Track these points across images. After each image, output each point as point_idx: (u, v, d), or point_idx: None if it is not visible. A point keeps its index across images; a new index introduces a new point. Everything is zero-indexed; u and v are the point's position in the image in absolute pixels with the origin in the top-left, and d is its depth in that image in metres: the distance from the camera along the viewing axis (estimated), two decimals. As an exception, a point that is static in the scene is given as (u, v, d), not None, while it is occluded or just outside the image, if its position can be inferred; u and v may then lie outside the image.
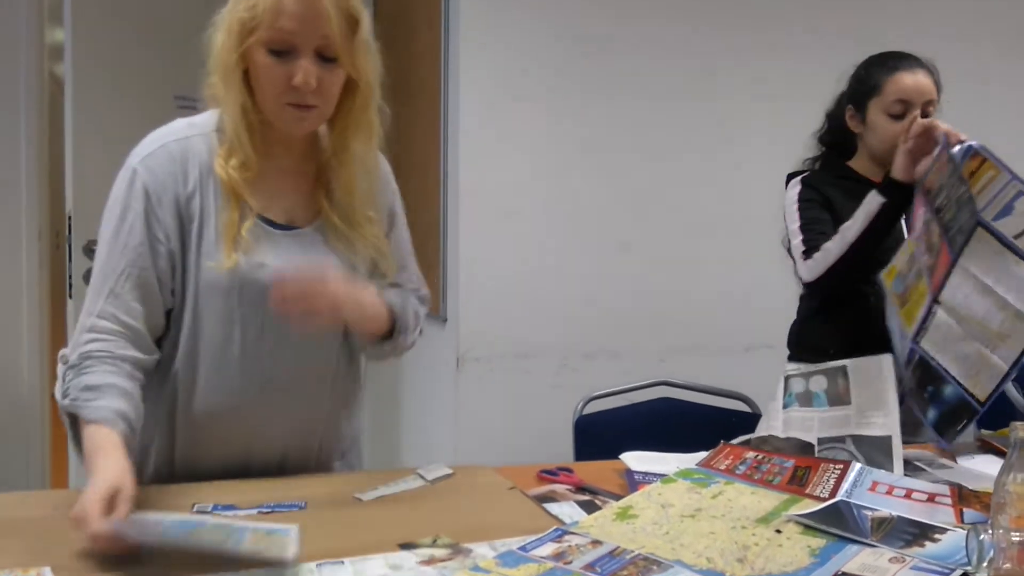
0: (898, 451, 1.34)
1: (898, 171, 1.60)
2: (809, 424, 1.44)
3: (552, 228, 2.69)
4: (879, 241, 1.64)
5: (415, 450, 3.10)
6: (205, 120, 1.23)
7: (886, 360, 1.45)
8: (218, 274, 1.17)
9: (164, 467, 1.25)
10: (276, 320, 1.18)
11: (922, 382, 1.46)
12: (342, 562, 0.97)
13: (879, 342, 1.59)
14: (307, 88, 1.12)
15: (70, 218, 2.92)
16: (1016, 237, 1.41)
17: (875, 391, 1.42)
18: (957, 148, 1.45)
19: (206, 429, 1.23)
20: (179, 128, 1.22)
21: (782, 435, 1.44)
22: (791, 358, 1.91)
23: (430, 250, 2.67)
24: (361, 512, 1.16)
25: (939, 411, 1.43)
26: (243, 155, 1.17)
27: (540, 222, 2.67)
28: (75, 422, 1.11)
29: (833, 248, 1.68)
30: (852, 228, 1.65)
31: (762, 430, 1.49)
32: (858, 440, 1.39)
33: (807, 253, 1.74)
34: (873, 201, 1.62)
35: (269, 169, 1.21)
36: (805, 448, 1.43)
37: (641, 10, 2.74)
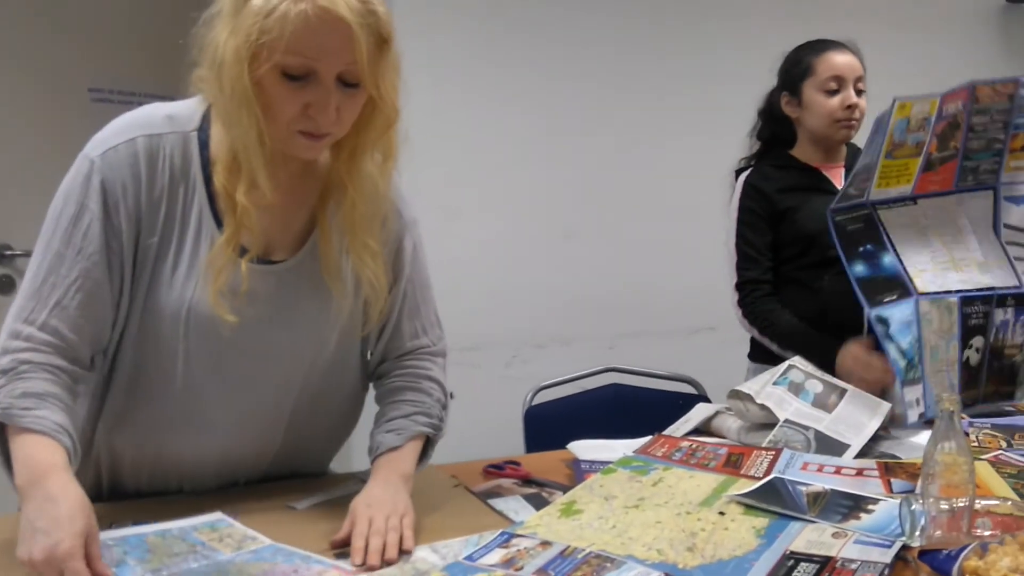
0: (850, 456, 1.40)
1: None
2: (786, 406, 1.50)
3: (495, 220, 2.68)
4: None
5: (365, 453, 3.05)
6: (187, 114, 1.06)
7: (884, 406, 1.52)
8: (167, 305, 1.05)
9: (89, 490, 1.17)
10: (226, 360, 1.08)
11: (863, 236, 1.57)
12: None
13: (831, 327, 1.69)
14: (324, 118, 0.98)
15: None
16: (1007, 225, 1.61)
17: (858, 418, 1.49)
18: None
19: (129, 457, 1.15)
20: (156, 120, 1.05)
21: (757, 399, 1.50)
22: (754, 342, 1.93)
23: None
24: (294, 522, 1.09)
25: (870, 273, 1.56)
26: (257, 182, 1.01)
27: (482, 215, 2.66)
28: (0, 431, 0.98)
29: (765, 336, 1.82)
30: (781, 344, 1.79)
31: (744, 388, 1.54)
32: (819, 435, 1.45)
33: (738, 289, 1.86)
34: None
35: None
36: (764, 427, 1.48)
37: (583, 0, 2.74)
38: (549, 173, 2.73)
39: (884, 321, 1.54)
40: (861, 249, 1.57)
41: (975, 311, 1.57)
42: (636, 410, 2.03)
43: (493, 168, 2.67)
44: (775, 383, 1.55)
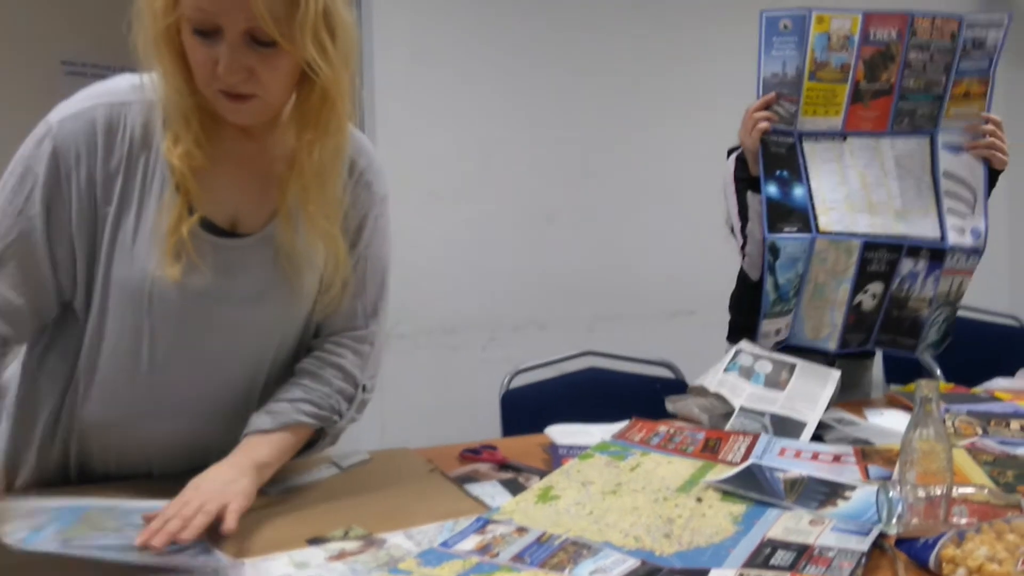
0: (807, 436, 1.41)
1: (753, 167, 1.65)
2: (740, 391, 1.51)
3: (476, 203, 2.66)
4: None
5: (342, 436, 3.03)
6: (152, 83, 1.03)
7: (833, 374, 1.53)
8: (128, 277, 1.02)
9: (56, 471, 1.14)
10: (192, 338, 1.06)
11: (783, 161, 1.58)
12: (242, 563, 0.91)
13: None
14: (230, 77, 0.94)
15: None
16: (945, 172, 1.58)
17: (811, 390, 1.51)
18: (970, 29, 1.54)
19: (96, 440, 1.13)
20: (120, 88, 1.03)
21: (712, 390, 1.51)
22: (732, 325, 1.92)
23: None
24: (265, 508, 1.07)
25: (780, 199, 1.57)
26: (187, 143, 0.99)
27: (464, 198, 2.64)
28: None
29: (754, 251, 1.74)
30: (756, 230, 1.71)
31: (700, 381, 1.56)
32: (775, 418, 1.46)
33: (742, 250, 1.79)
34: (754, 200, 1.67)
35: (218, 157, 1.03)
36: (725, 416, 1.48)
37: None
38: (531, 157, 2.71)
39: (775, 251, 1.55)
40: (778, 172, 1.58)
41: (877, 257, 1.57)
42: (614, 394, 2.02)
43: (475, 151, 2.65)
44: (726, 370, 1.56)
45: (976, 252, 1.60)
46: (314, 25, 0.95)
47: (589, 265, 2.78)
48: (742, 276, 1.84)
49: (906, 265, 1.58)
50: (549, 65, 2.70)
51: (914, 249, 1.58)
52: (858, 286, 1.58)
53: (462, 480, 1.21)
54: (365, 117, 2.57)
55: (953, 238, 1.58)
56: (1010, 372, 1.84)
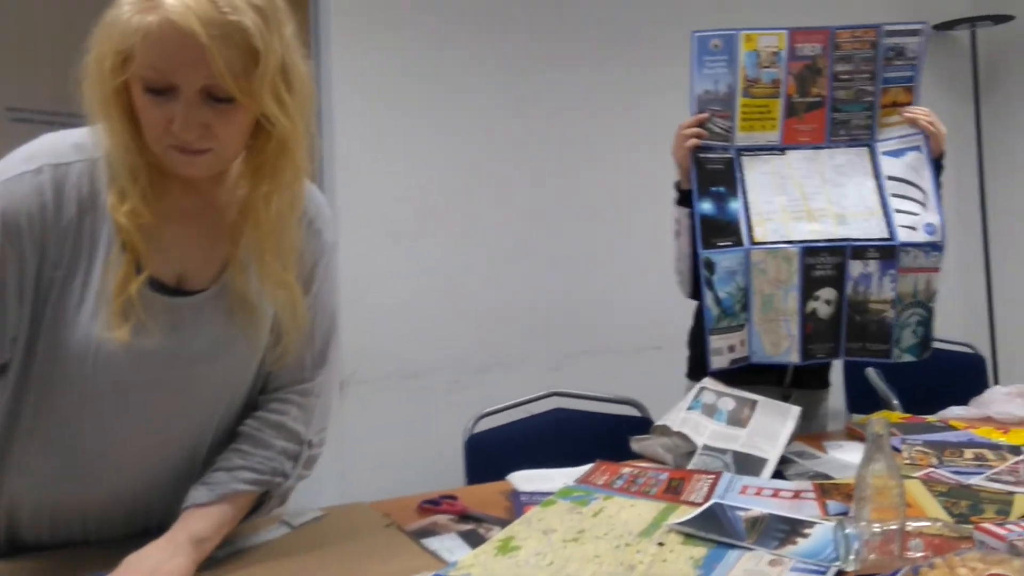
0: (768, 473, 1.42)
1: (684, 179, 1.70)
2: (702, 430, 1.52)
3: (438, 242, 2.65)
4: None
5: (296, 490, 2.96)
6: (95, 139, 1.01)
7: (794, 410, 1.54)
8: (74, 340, 0.98)
9: None
10: (139, 399, 1.03)
11: (719, 177, 1.62)
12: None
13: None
14: (186, 135, 0.93)
15: None
16: (890, 178, 1.62)
17: (772, 427, 1.51)
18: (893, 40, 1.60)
19: (28, 505, 1.08)
20: (62, 149, 1.00)
21: (675, 428, 1.51)
22: (691, 361, 1.93)
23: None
24: (213, 573, 1.02)
25: (714, 214, 1.60)
26: (133, 200, 0.97)
27: (425, 237, 2.63)
28: None
29: (682, 265, 1.77)
30: (683, 243, 1.74)
31: (663, 421, 1.56)
32: (737, 456, 1.47)
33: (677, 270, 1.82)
34: (682, 214, 1.70)
35: (165, 213, 1.01)
36: (689, 454, 1.48)
37: (520, 21, 2.74)
38: (494, 195, 2.72)
39: (710, 266, 1.58)
40: (713, 189, 1.61)
41: (821, 262, 1.58)
42: (580, 435, 2.01)
43: (436, 191, 2.65)
44: (689, 408, 1.56)
45: (935, 247, 1.59)
46: (273, 80, 0.94)
47: (554, 303, 2.78)
48: (699, 312, 1.85)
49: (855, 267, 1.59)
50: (510, 103, 2.73)
51: (860, 250, 1.58)
52: (807, 293, 1.58)
53: (420, 534, 1.19)
54: (324, 160, 2.57)
55: (904, 235, 1.59)
56: (965, 400, 1.87)
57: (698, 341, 1.84)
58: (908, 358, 1.63)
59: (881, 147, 1.65)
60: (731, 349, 1.60)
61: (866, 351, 1.62)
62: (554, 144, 2.79)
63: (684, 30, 2.98)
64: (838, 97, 1.63)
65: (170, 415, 1.08)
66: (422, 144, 2.63)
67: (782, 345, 1.61)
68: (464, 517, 1.26)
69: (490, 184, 2.72)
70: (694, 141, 1.62)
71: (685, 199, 1.68)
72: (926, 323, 1.62)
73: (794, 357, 1.61)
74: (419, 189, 2.62)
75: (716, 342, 1.60)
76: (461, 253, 2.68)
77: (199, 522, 1.04)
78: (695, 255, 1.64)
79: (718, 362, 1.59)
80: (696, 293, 1.75)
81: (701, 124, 1.63)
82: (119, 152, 0.97)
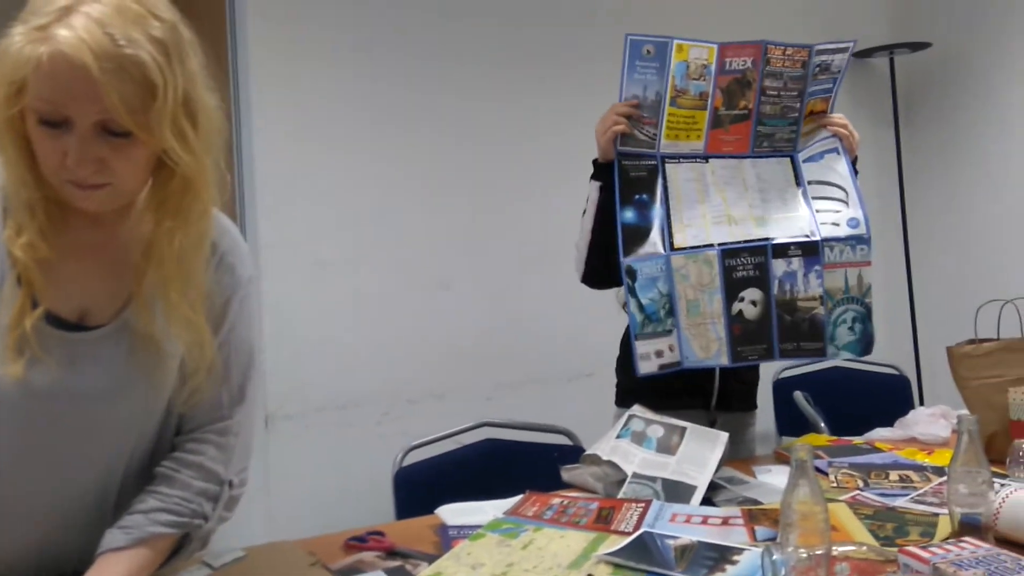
0: (697, 500, 1.42)
1: (603, 155, 1.70)
2: (632, 458, 1.51)
3: (366, 272, 2.60)
4: (611, 220, 1.70)
5: (220, 532, 2.85)
6: None
7: (722, 436, 1.54)
8: None
9: None
10: (38, 440, 0.98)
11: (642, 185, 1.64)
12: None
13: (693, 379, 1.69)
14: (81, 170, 0.89)
15: None
16: (810, 182, 1.66)
17: (701, 454, 1.51)
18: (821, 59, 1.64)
19: None
20: None
21: (605, 457, 1.50)
22: (619, 388, 1.92)
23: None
24: None
25: (636, 222, 1.61)
26: (30, 234, 0.93)
27: (353, 267, 2.58)
28: None
29: (581, 242, 1.77)
30: (588, 219, 1.75)
31: (593, 450, 1.54)
32: (667, 483, 1.46)
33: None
34: (593, 188, 1.71)
35: (64, 247, 0.97)
36: (619, 483, 1.47)
37: (451, 47, 2.74)
38: (421, 224, 2.70)
39: (632, 273, 1.59)
40: (636, 197, 1.62)
41: (742, 263, 1.59)
42: (512, 465, 1.98)
43: (362, 220, 2.61)
44: (619, 436, 1.56)
45: (861, 240, 1.59)
46: (173, 114, 0.90)
47: (485, 332, 2.76)
48: (626, 338, 1.86)
49: (778, 266, 1.59)
50: (436, 133, 2.71)
51: (781, 249, 1.58)
52: (731, 295, 1.58)
53: (345, 573, 1.15)
54: (246, 192, 2.51)
55: (827, 231, 1.60)
56: (892, 422, 1.91)
57: (626, 368, 1.83)
58: (847, 355, 1.63)
59: (802, 156, 1.69)
60: (659, 354, 1.59)
61: (801, 351, 1.61)
62: (483, 173, 2.79)
63: (606, 60, 3.02)
64: (764, 112, 1.65)
65: (72, 458, 1.02)
66: (350, 173, 2.59)
67: (712, 348, 1.60)
68: (391, 554, 1.22)
69: (419, 213, 2.69)
70: (621, 127, 1.62)
71: (600, 173, 1.69)
72: (863, 319, 1.62)
73: (724, 359, 1.60)
74: (345, 219, 2.58)
75: (642, 347, 1.59)
76: (390, 283, 2.64)
77: (115, 567, 0.99)
78: (596, 237, 1.67)
79: (646, 367, 1.58)
80: (592, 280, 1.77)
81: (630, 118, 1.63)
82: (15, 186, 0.93)
